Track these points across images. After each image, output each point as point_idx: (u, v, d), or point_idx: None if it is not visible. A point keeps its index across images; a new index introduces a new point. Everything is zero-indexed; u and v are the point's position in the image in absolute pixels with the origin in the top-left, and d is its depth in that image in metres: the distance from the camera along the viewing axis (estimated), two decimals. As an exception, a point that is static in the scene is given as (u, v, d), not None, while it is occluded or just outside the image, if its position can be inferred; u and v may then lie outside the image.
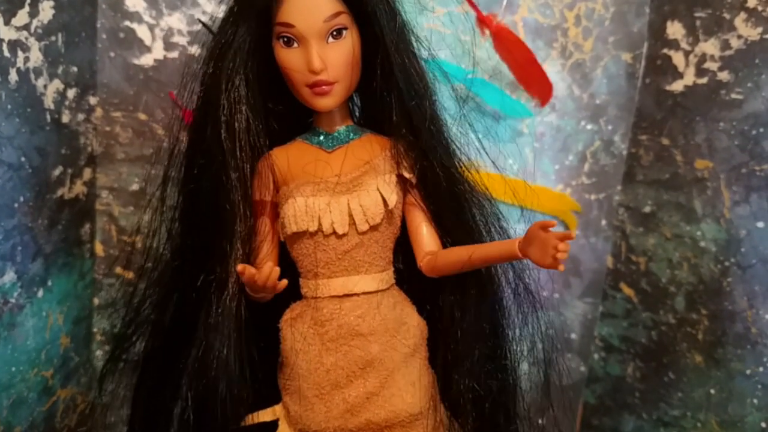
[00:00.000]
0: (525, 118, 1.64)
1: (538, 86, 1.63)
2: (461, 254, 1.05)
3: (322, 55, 1.01)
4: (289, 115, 1.15)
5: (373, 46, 1.06)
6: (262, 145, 1.10)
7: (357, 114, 1.20)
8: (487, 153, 1.15)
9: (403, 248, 1.15)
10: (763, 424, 1.45)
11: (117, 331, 1.22)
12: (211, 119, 1.07)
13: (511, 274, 1.11)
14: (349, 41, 1.03)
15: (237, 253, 1.06)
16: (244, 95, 1.06)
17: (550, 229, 0.91)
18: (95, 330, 1.56)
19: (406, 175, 1.08)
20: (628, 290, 1.73)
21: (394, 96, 1.06)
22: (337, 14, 1.01)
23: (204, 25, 1.37)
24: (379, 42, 1.04)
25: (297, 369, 1.07)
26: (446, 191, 1.08)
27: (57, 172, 1.35)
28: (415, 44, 1.09)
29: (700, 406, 1.57)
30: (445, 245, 1.10)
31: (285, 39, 1.02)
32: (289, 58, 1.03)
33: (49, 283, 1.37)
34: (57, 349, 1.42)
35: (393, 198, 1.05)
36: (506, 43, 1.58)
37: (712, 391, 1.55)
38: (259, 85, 1.09)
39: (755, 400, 1.46)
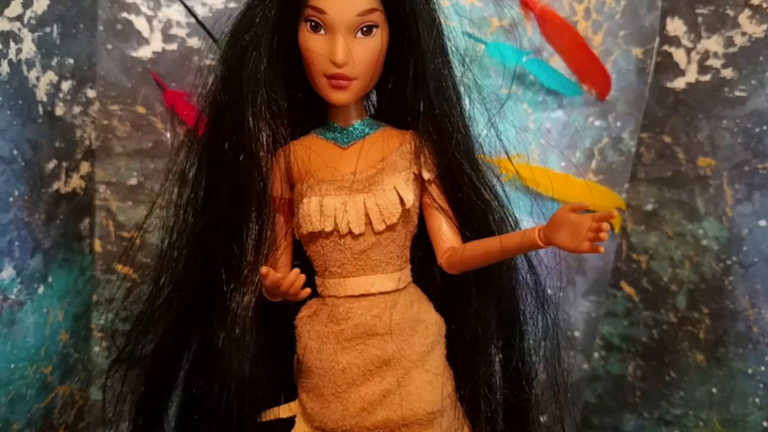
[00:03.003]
0: (576, 96, 1.63)
1: (593, 77, 1.62)
2: (479, 248, 1.03)
3: (348, 48, 0.98)
4: (305, 107, 1.13)
5: (400, 47, 1.03)
6: (284, 133, 1.06)
7: (371, 108, 1.17)
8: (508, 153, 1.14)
9: (421, 247, 1.13)
10: (765, 423, 1.45)
11: (131, 327, 1.19)
12: (233, 107, 1.04)
13: (528, 276, 1.11)
14: (378, 40, 1.01)
15: (254, 251, 1.04)
16: (266, 78, 1.03)
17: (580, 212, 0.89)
18: (93, 326, 1.54)
19: (426, 175, 1.06)
20: (628, 289, 1.72)
21: (423, 101, 1.04)
22: (372, 11, 0.98)
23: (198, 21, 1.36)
24: (414, 46, 1.02)
25: (312, 367, 1.06)
26: (467, 197, 1.06)
27: (51, 165, 1.33)
28: (449, 49, 1.06)
29: (701, 405, 1.57)
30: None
31: (313, 23, 0.99)
32: (313, 42, 1.00)
33: (50, 279, 1.35)
34: (56, 346, 1.40)
35: (410, 197, 1.03)
36: (552, 27, 1.56)
37: (714, 390, 1.55)
38: (282, 69, 1.05)
39: (757, 400, 1.47)
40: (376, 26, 1.00)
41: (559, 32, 1.57)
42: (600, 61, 1.61)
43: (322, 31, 1.00)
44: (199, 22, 1.41)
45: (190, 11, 1.41)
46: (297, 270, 0.97)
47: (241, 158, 1.04)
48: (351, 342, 1.04)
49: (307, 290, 1.00)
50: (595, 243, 0.87)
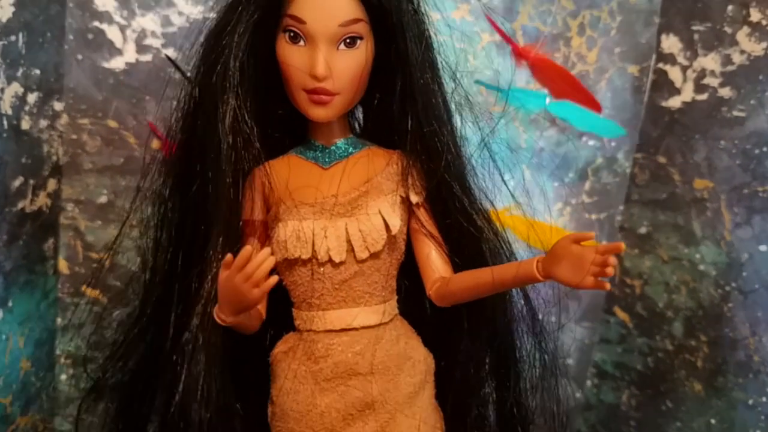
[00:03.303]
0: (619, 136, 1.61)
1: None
2: (469, 279, 0.98)
3: (330, 61, 0.92)
4: (283, 125, 1.07)
5: (387, 61, 0.98)
6: (257, 152, 1.00)
7: (357, 126, 1.12)
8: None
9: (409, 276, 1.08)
10: (767, 457, 1.42)
11: (106, 355, 1.13)
12: (204, 121, 0.98)
13: (522, 304, 1.06)
14: (363, 53, 0.95)
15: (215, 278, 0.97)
16: (241, 93, 0.97)
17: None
18: (58, 352, 1.48)
19: (414, 198, 1.01)
20: (622, 314, 1.70)
21: (411, 118, 0.99)
22: (356, 21, 0.93)
23: (172, 62, 1.30)
24: (401, 59, 0.97)
25: (288, 410, 0.99)
26: (457, 223, 1.01)
27: (17, 183, 1.27)
28: (438, 63, 1.02)
29: (700, 437, 1.56)
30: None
31: (292, 34, 0.94)
32: (292, 55, 0.94)
33: (10, 303, 1.28)
34: (17, 374, 1.34)
35: (396, 223, 0.97)
36: (546, 72, 1.55)
37: (713, 421, 1.53)
38: (256, 83, 1.00)
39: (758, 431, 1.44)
40: (361, 38, 0.94)
41: (553, 76, 1.55)
42: (591, 95, 1.57)
43: (302, 43, 0.94)
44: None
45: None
46: (267, 250, 0.86)
47: (209, 179, 0.98)
48: (330, 383, 0.97)
49: (275, 278, 0.86)
50: (600, 278, 0.80)
